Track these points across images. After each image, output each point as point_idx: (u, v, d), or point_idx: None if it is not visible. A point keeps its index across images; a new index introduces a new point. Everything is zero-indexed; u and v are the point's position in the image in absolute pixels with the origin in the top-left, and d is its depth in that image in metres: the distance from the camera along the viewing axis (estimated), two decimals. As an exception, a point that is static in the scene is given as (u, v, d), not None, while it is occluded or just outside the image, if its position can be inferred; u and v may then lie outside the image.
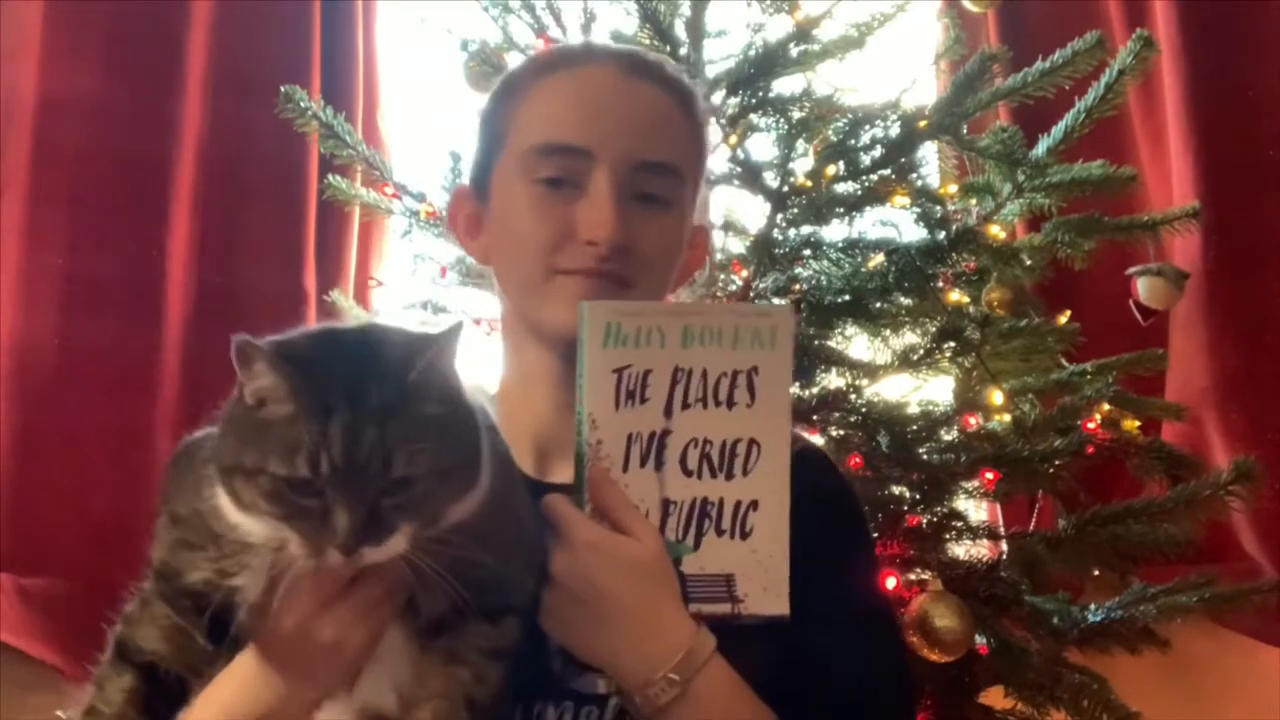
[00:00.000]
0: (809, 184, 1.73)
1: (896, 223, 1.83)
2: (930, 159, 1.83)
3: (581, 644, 0.90)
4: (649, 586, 0.88)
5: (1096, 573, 1.83)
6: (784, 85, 1.78)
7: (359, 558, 0.74)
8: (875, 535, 1.66)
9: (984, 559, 1.76)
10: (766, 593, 0.90)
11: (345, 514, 0.73)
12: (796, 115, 1.76)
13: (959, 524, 1.75)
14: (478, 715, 0.82)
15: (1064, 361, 1.93)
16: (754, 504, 0.91)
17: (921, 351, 1.76)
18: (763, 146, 1.79)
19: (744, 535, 0.90)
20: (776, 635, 0.91)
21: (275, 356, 0.75)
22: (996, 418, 1.80)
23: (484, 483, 0.81)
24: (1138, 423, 1.87)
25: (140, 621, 0.84)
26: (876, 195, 1.75)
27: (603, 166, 0.98)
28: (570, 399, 0.95)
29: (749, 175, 1.76)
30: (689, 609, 0.89)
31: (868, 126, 1.76)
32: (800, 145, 1.78)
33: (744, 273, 1.74)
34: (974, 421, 1.81)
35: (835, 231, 1.78)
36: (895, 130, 1.75)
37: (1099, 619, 1.73)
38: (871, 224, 1.82)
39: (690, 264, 1.10)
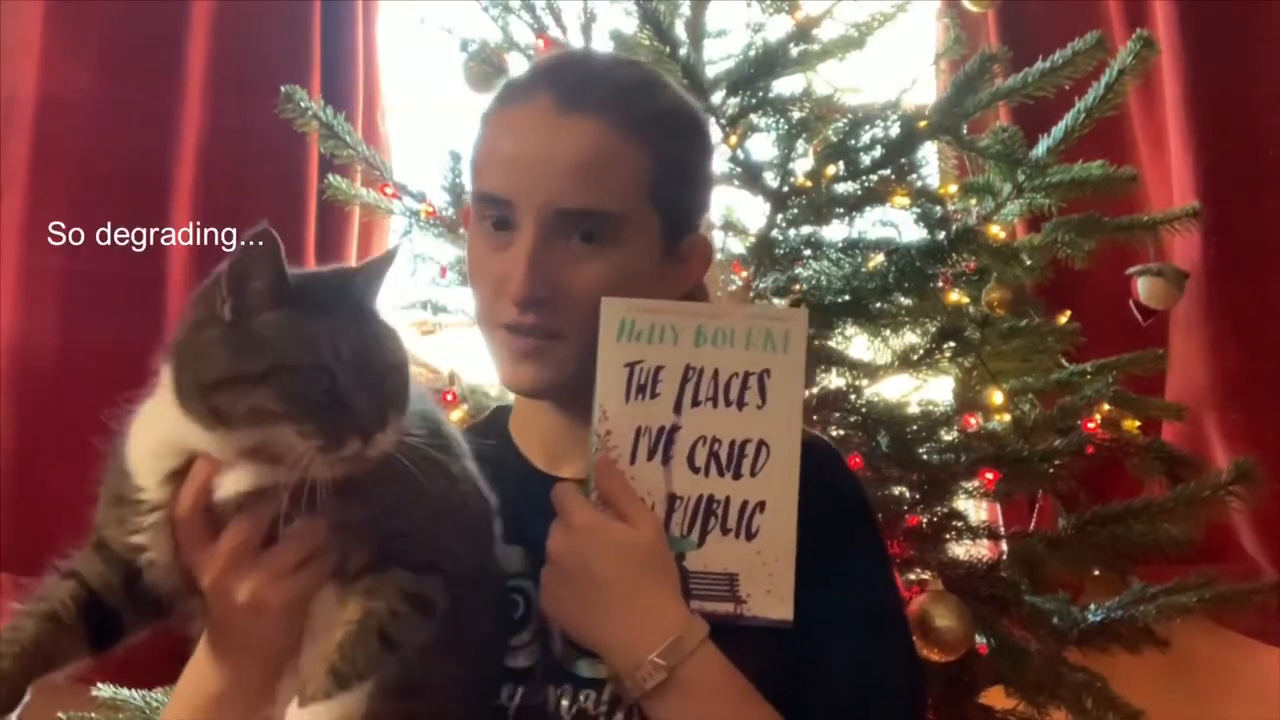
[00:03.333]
0: (809, 184, 1.73)
1: (896, 223, 1.83)
2: (930, 159, 1.82)
3: (574, 624, 0.92)
4: (640, 572, 0.89)
5: (1096, 573, 1.83)
6: (784, 85, 1.78)
7: (374, 444, 0.79)
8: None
9: (984, 559, 1.76)
10: (770, 596, 0.90)
11: (366, 397, 0.79)
12: (796, 115, 1.76)
13: (959, 524, 1.76)
14: (390, 650, 0.82)
15: (1064, 361, 1.92)
16: (760, 505, 0.91)
17: (921, 351, 1.76)
18: (763, 146, 1.79)
19: (749, 536, 0.91)
20: (785, 635, 0.91)
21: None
22: (996, 418, 1.80)
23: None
24: (1138, 423, 1.87)
25: (86, 560, 0.89)
26: (876, 195, 1.75)
27: (526, 215, 0.95)
28: (570, 412, 1.01)
29: (749, 175, 1.76)
30: (690, 605, 0.90)
31: (868, 126, 1.75)
32: (800, 145, 1.78)
33: (744, 273, 1.74)
34: (974, 421, 1.81)
35: (835, 231, 1.78)
36: (895, 130, 1.75)
37: (1099, 619, 1.73)
38: (871, 224, 1.82)
39: (683, 278, 1.04)
